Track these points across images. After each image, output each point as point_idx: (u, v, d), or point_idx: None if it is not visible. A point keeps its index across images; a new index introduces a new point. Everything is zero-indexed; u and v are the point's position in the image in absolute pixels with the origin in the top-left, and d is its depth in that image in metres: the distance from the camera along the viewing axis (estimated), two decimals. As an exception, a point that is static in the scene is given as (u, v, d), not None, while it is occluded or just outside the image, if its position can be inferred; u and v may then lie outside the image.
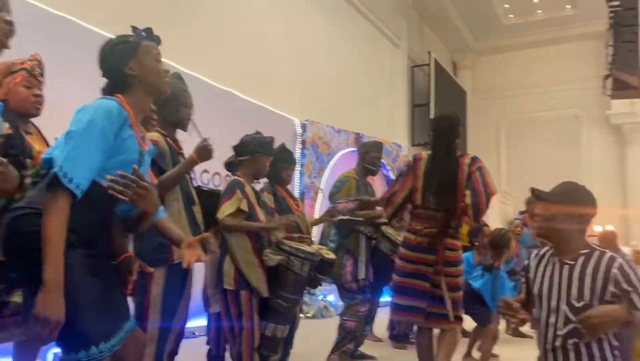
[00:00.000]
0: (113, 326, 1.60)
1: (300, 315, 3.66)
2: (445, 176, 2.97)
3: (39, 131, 2.33)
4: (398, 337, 4.81)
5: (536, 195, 2.00)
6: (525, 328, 5.64)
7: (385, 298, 6.08)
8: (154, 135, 2.58)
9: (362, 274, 3.81)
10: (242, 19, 6.71)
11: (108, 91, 1.81)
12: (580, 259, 1.89)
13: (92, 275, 1.59)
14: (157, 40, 1.86)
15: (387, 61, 10.75)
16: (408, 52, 11.74)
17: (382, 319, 5.06)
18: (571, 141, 13.81)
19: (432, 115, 11.67)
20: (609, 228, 8.83)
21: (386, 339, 4.93)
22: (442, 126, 3.17)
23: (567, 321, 1.85)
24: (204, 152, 2.60)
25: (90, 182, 1.58)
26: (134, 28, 1.83)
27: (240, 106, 6.10)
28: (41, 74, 2.29)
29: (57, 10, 4.07)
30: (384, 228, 3.94)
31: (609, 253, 1.87)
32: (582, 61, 13.42)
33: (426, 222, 2.97)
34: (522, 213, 6.18)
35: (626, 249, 9.37)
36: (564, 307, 1.88)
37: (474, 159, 3.03)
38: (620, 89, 7.55)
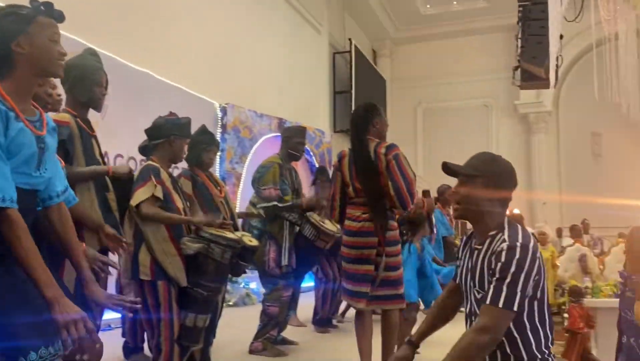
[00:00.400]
0: (45, 337, 1.48)
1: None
2: (361, 164, 3.11)
3: None
4: (321, 322, 4.85)
5: (449, 169, 1.84)
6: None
7: (309, 283, 6.12)
8: (63, 116, 2.41)
9: (285, 261, 3.81)
10: (166, 6, 6.43)
11: None
12: (486, 243, 1.70)
13: (20, 278, 1.51)
14: (59, 17, 1.65)
15: (309, 47, 10.73)
16: (329, 39, 11.77)
17: (306, 304, 5.09)
18: (482, 129, 14.50)
19: (353, 102, 11.82)
20: (516, 211, 9.39)
21: (310, 324, 4.95)
22: (354, 118, 3.37)
23: (477, 313, 1.67)
24: (122, 173, 2.54)
25: (14, 188, 1.48)
26: (32, 1, 1.62)
27: (157, 87, 5.86)
28: None
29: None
30: (308, 213, 3.95)
31: (505, 235, 1.66)
32: (494, 52, 14.06)
33: (362, 208, 3.07)
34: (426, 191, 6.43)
35: (532, 231, 10.00)
36: (472, 298, 1.73)
37: (389, 147, 3.12)
38: (528, 80, 7.93)
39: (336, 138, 11.21)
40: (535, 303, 1.67)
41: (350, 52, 12.08)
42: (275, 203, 3.80)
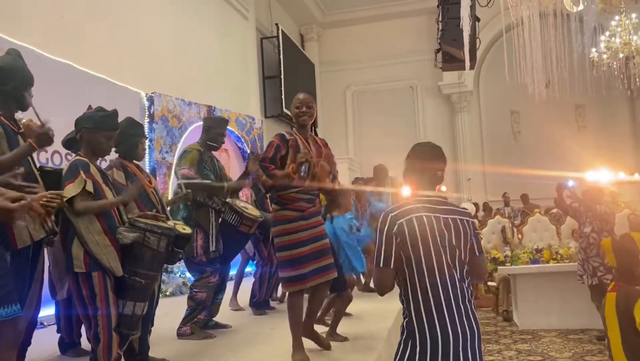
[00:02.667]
0: None
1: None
2: None
3: None
4: (258, 304, 4.96)
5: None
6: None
7: (250, 268, 6.20)
8: None
9: (212, 247, 3.94)
10: None
11: None
12: None
13: None
14: None
15: (236, 33, 10.65)
16: (257, 24, 11.72)
17: (244, 288, 5.19)
18: (409, 109, 14.98)
19: (283, 87, 11.88)
20: (443, 188, 9.83)
21: (247, 307, 5.05)
22: None
23: None
24: (43, 138, 2.49)
25: None
26: None
27: (80, 79, 5.69)
28: None
29: None
30: (231, 200, 4.08)
31: None
32: (418, 35, 14.49)
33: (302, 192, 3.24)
34: (357, 179, 6.64)
35: (467, 205, 10.51)
36: None
37: None
38: (449, 62, 8.26)
39: (267, 123, 11.26)
40: (412, 264, 2.05)
41: (277, 37, 12.10)
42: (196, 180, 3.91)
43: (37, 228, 2.53)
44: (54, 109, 4.62)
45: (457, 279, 2.04)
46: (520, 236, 7.92)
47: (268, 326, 4.33)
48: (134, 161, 3.45)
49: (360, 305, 4.83)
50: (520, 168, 11.48)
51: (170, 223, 3.06)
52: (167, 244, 2.85)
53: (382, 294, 2.11)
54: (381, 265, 2.05)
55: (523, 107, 13.63)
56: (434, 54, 8.84)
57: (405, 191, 6.21)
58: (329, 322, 3.90)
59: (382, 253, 2.05)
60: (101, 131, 2.84)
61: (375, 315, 4.55)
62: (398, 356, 2.05)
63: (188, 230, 3.12)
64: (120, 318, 2.71)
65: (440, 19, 8.25)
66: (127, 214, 2.90)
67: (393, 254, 2.04)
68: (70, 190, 2.65)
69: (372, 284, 6.06)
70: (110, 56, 6.46)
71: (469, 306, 2.04)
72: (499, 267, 7.17)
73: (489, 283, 7.64)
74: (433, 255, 2.02)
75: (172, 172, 6.23)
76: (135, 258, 2.76)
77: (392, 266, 2.05)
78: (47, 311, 3.99)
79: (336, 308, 3.96)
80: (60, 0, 5.86)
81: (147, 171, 5.36)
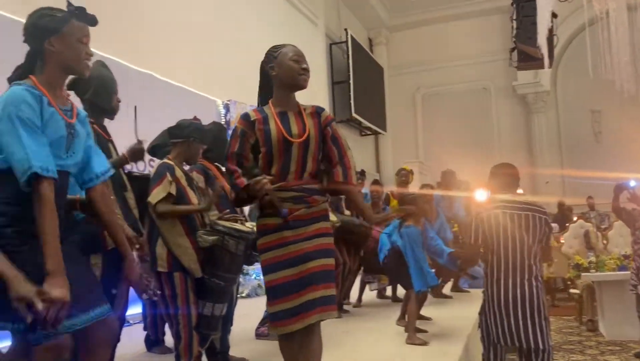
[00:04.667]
0: (73, 306, 1.65)
1: (236, 294, 3.71)
2: None
3: None
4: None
5: None
6: (445, 289, 6.02)
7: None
8: None
9: None
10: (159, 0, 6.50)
11: (24, 67, 1.79)
12: None
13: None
14: (92, 21, 1.83)
15: (305, 39, 10.77)
16: (326, 30, 11.83)
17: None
18: (482, 111, 14.55)
19: (352, 92, 11.90)
20: (520, 191, 9.44)
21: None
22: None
23: None
24: (137, 154, 2.69)
25: (52, 160, 1.65)
26: (69, 3, 1.80)
27: (159, 87, 5.96)
28: None
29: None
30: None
31: None
32: (490, 34, 14.10)
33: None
34: (425, 185, 6.52)
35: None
36: None
37: None
38: (524, 60, 8.00)
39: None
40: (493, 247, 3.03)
41: (346, 42, 12.15)
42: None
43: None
44: (137, 117, 4.87)
45: (524, 258, 2.90)
46: (605, 241, 7.49)
47: (341, 329, 4.34)
48: (215, 163, 3.54)
49: (436, 310, 4.76)
50: (602, 171, 10.88)
51: (249, 224, 3.14)
52: (245, 247, 2.92)
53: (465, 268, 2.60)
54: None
55: (605, 105, 12.93)
56: (509, 53, 8.58)
57: (479, 195, 6.05)
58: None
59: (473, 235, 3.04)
60: (202, 143, 3.10)
61: (454, 320, 4.45)
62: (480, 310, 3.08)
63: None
64: (200, 318, 2.81)
65: (514, 17, 8.01)
66: (208, 216, 2.99)
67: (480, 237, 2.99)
68: (158, 194, 2.78)
69: (444, 291, 5.94)
70: (188, 66, 6.72)
71: (533, 281, 2.89)
72: (583, 274, 6.80)
73: (571, 291, 7.27)
74: (509, 241, 2.92)
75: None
76: (214, 261, 2.85)
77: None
78: (134, 309, 4.20)
79: (409, 308, 3.91)
80: (142, 14, 6.16)
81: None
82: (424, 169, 13.16)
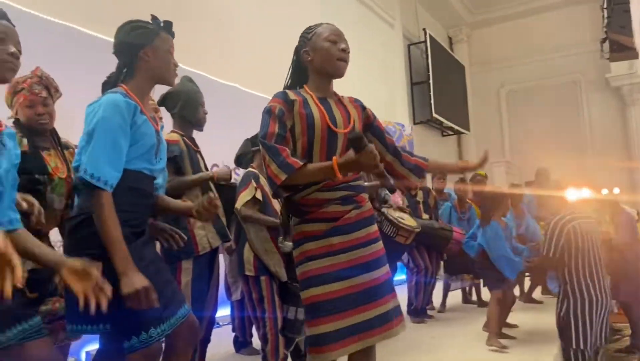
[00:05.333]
0: (164, 312, 1.73)
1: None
2: None
3: (58, 145, 2.32)
4: (416, 312, 4.93)
5: None
6: (537, 294, 5.77)
7: (400, 277, 6.21)
8: (172, 135, 2.72)
9: None
10: (236, 12, 6.73)
11: (114, 77, 1.91)
12: None
13: (145, 266, 1.71)
14: (172, 36, 1.96)
15: (382, 42, 10.76)
16: (403, 31, 11.73)
17: (400, 295, 5.19)
18: (571, 106, 13.79)
19: (432, 92, 11.71)
20: (616, 190, 8.92)
21: (405, 314, 5.04)
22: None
23: None
24: (224, 177, 2.79)
25: (118, 174, 1.70)
26: (154, 17, 1.93)
27: (242, 98, 6.18)
28: (46, 88, 2.26)
29: (62, 20, 4.14)
30: (385, 210, 4.08)
31: None
32: (578, 25, 13.37)
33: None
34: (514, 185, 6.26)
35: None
36: None
37: None
38: (618, 51, 7.53)
39: (417, 130, 11.17)
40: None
41: (425, 42, 11.98)
42: None
43: (214, 236, 2.80)
44: (222, 128, 5.10)
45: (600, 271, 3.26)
46: None
47: (428, 334, 4.29)
48: None
49: (523, 317, 4.58)
50: None
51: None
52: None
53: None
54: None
55: None
56: (600, 44, 8.11)
57: (571, 194, 5.75)
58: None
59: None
60: None
61: (543, 326, 4.26)
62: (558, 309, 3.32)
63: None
64: (285, 321, 2.89)
65: (604, 6, 7.56)
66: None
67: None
68: (244, 198, 2.90)
69: (534, 295, 5.70)
70: (268, 75, 6.90)
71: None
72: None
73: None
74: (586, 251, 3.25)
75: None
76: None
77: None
78: (223, 311, 4.38)
79: (488, 309, 3.81)
80: (226, 33, 6.41)
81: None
82: (511, 169, 12.68)
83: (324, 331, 1.80)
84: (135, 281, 1.60)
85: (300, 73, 2.07)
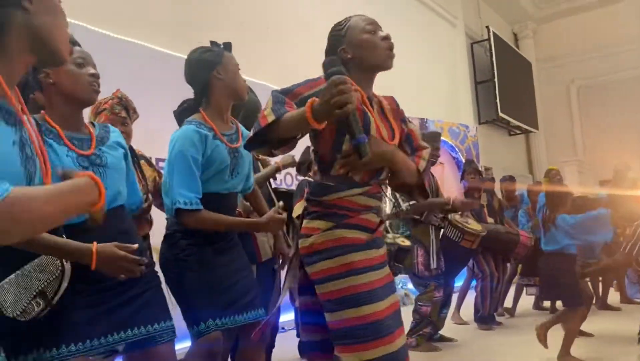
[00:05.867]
0: (226, 308, 1.95)
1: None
2: None
3: (134, 160, 2.44)
4: (483, 319, 4.81)
5: None
6: (613, 299, 5.47)
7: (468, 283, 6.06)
8: None
9: (434, 265, 3.90)
10: (292, 21, 6.80)
11: (193, 104, 2.08)
12: None
13: (209, 269, 1.98)
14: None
15: (444, 42, 10.58)
16: (465, 30, 11.49)
17: (468, 301, 5.08)
18: (649, 101, 13.01)
19: (497, 90, 11.39)
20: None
21: (472, 321, 4.93)
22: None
23: None
24: (288, 161, 2.96)
25: (199, 195, 1.94)
26: (213, 42, 2.07)
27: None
28: (125, 108, 2.43)
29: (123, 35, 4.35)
30: (450, 215, 4.04)
31: None
32: (653, 14, 12.61)
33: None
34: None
35: None
36: None
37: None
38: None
39: (482, 130, 10.88)
40: None
41: (489, 40, 11.67)
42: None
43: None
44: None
45: None
46: None
47: (495, 341, 4.18)
48: None
49: (599, 324, 4.36)
50: None
51: (390, 235, 3.17)
52: (389, 258, 2.96)
53: None
54: None
55: None
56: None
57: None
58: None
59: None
60: None
61: (620, 337, 4.04)
62: None
63: (407, 243, 3.20)
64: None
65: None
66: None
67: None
68: (297, 209, 2.94)
69: (609, 301, 5.42)
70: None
71: None
72: None
73: None
74: None
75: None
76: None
77: None
78: (288, 316, 4.45)
79: (567, 325, 3.59)
80: (288, 36, 6.51)
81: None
82: (583, 168, 12.11)
83: (383, 353, 1.54)
84: (265, 221, 2.09)
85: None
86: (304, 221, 1.72)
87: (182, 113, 2.13)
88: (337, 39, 1.76)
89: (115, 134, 1.79)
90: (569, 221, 3.49)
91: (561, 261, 3.49)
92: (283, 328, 4.78)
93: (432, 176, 4.31)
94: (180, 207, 1.90)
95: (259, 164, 3.05)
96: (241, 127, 2.18)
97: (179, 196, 1.90)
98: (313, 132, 1.64)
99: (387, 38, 1.75)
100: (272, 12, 6.39)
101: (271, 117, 1.54)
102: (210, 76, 2.01)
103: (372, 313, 1.55)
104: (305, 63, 6.68)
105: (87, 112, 2.36)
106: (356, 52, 1.73)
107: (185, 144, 1.92)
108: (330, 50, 1.78)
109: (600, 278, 5.28)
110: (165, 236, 2.09)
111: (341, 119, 1.44)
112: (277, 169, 2.91)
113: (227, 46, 2.09)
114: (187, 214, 1.91)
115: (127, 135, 2.40)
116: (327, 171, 1.71)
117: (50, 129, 1.57)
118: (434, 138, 4.32)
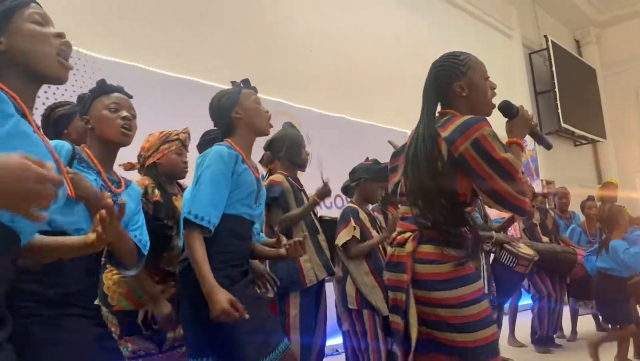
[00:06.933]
0: (266, 347, 1.90)
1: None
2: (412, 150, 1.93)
3: (182, 190, 2.58)
4: (541, 341, 4.67)
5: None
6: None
7: (526, 301, 5.90)
8: (277, 177, 2.94)
9: (485, 290, 3.84)
10: (336, 40, 6.76)
11: (219, 136, 2.19)
12: None
13: (250, 303, 1.89)
14: (255, 89, 2.21)
15: (500, 54, 10.38)
16: (522, 40, 11.23)
17: (523, 323, 4.95)
18: None
19: (558, 100, 11.03)
20: None
21: (529, 344, 4.80)
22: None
23: None
24: (324, 193, 2.93)
25: (219, 214, 1.93)
26: (233, 82, 2.20)
27: (351, 128, 6.31)
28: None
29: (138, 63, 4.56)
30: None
31: None
32: None
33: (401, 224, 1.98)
34: None
35: None
36: None
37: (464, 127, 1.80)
38: None
39: (543, 142, 10.54)
40: None
41: (547, 49, 11.35)
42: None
43: (320, 268, 2.95)
44: (333, 159, 5.29)
45: None
46: None
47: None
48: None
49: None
50: None
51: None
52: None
53: None
54: None
55: None
56: None
57: None
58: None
59: None
60: (377, 181, 3.24)
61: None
62: None
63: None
64: (388, 354, 2.93)
65: None
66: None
67: None
68: (343, 236, 3.03)
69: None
70: (376, 103, 7.00)
71: None
72: None
73: None
74: None
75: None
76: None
77: None
78: (339, 340, 4.50)
79: (620, 342, 3.48)
80: (337, 69, 6.61)
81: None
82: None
83: None
84: (220, 299, 1.78)
85: (435, 104, 1.93)
86: (427, 247, 1.76)
87: (208, 143, 2.23)
88: (457, 73, 1.88)
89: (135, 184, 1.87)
90: (621, 252, 3.42)
91: (613, 281, 3.49)
92: (337, 350, 4.84)
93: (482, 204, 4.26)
94: (204, 224, 1.87)
95: (303, 195, 3.15)
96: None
97: (207, 212, 1.88)
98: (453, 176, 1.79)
99: (493, 90, 1.93)
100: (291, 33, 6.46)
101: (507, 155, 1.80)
102: (230, 116, 2.11)
103: (485, 337, 1.70)
104: (353, 85, 6.76)
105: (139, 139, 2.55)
106: (472, 93, 1.87)
107: (216, 159, 1.95)
108: (440, 77, 1.93)
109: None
110: (184, 269, 1.99)
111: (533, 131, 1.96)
112: (315, 203, 2.94)
113: (245, 83, 2.19)
114: (194, 229, 1.88)
115: (187, 168, 2.50)
116: (462, 207, 1.82)
117: (90, 164, 1.67)
118: None
